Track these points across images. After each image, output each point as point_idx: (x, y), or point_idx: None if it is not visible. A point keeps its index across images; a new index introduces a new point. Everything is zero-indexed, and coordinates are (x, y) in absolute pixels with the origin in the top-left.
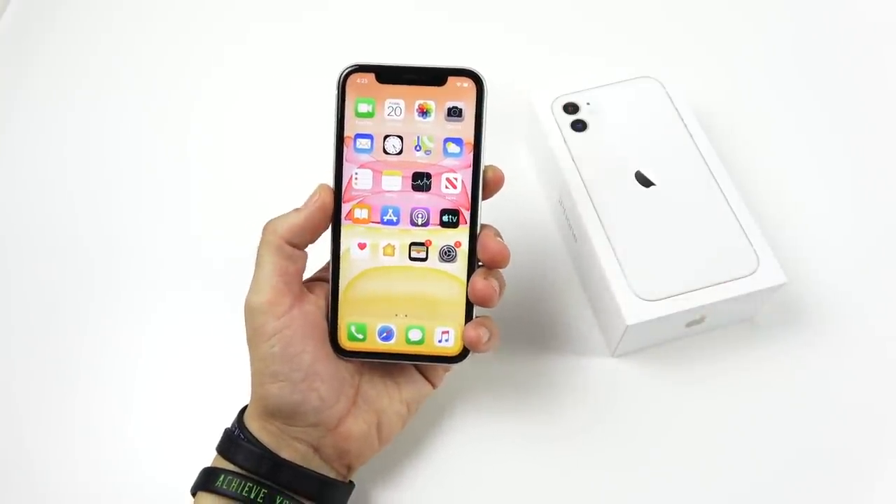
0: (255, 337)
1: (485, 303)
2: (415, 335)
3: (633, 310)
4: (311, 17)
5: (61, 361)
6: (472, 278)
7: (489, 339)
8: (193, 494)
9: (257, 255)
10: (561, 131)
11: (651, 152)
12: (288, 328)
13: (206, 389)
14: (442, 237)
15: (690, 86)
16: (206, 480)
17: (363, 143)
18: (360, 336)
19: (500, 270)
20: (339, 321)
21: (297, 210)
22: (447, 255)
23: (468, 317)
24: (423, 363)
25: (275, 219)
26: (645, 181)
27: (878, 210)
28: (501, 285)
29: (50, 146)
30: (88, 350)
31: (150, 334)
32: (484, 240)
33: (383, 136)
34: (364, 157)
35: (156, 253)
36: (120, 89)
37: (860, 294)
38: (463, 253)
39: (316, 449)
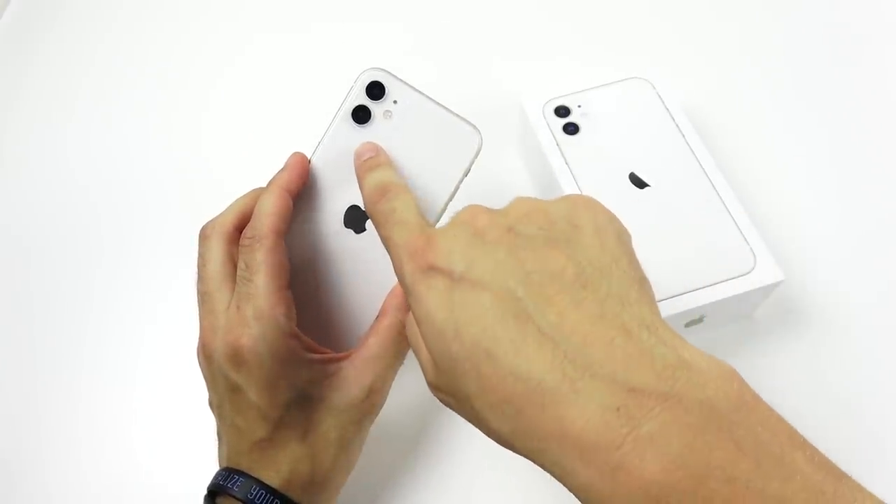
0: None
1: None
2: None
3: None
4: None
5: (62, 360)
6: None
7: None
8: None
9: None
10: (553, 135)
11: (644, 153)
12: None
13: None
14: None
15: (681, 85)
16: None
17: None
18: None
19: None
20: None
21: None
22: None
23: None
24: None
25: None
26: (639, 182)
27: (873, 205)
28: None
29: (51, 146)
30: (89, 350)
31: (152, 335)
32: None
33: None
34: None
35: (157, 253)
36: (121, 89)
37: (858, 289)
38: None
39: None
